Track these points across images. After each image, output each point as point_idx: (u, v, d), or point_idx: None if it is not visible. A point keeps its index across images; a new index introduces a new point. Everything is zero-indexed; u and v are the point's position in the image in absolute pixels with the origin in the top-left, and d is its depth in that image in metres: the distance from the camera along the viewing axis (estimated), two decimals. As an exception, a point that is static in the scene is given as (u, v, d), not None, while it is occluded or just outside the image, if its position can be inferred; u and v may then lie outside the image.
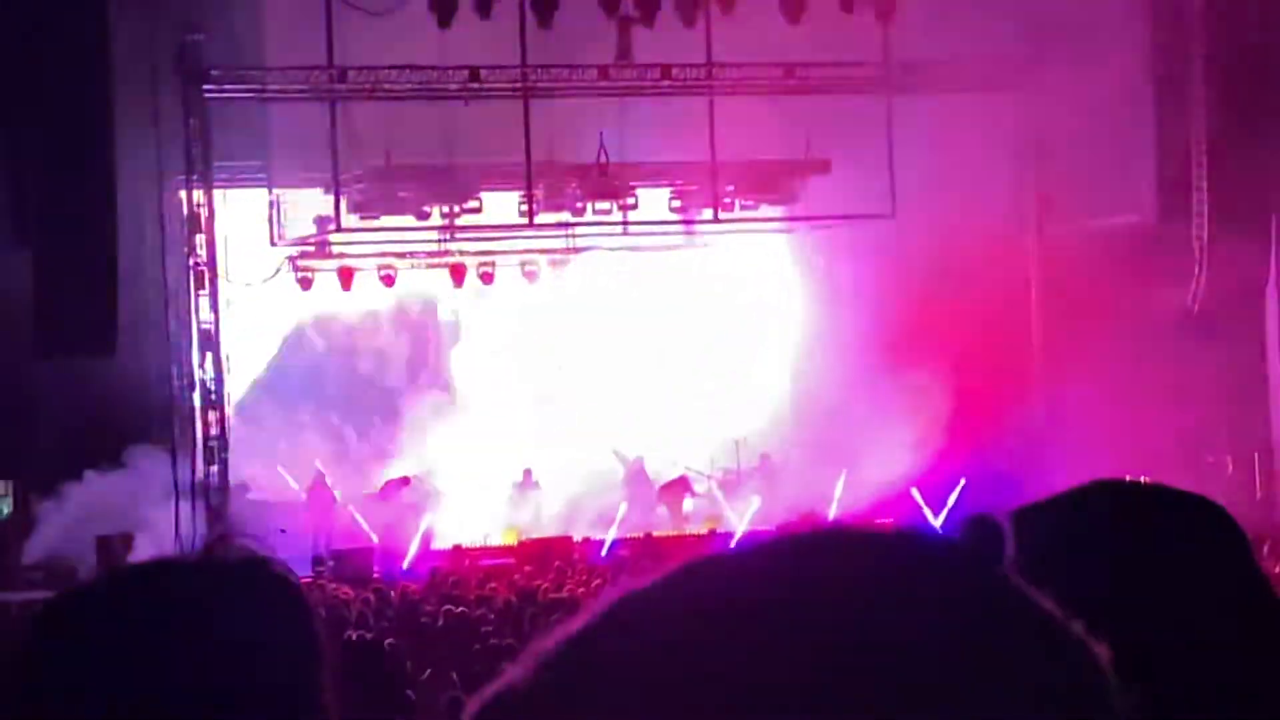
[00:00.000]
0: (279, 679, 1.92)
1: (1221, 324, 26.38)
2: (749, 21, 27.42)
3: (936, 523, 27.37)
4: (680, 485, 30.03)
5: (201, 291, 27.37)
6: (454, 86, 27.90)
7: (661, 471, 30.19)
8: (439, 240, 30.21)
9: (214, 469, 27.15)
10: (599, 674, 1.11)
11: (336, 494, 28.43)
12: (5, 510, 25.29)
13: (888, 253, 28.79)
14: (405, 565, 26.13)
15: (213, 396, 27.39)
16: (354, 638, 16.28)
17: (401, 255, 30.54)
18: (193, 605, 1.94)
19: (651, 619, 1.13)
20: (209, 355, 27.39)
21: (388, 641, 17.11)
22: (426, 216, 29.37)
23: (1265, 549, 19.02)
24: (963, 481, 28.27)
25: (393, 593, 22.04)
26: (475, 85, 27.99)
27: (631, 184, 29.53)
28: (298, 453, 29.74)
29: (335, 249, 30.21)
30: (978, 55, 28.19)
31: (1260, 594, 2.08)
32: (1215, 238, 27.09)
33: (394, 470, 29.79)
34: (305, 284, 30.21)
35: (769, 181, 29.97)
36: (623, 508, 28.49)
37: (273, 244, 29.89)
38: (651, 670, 1.09)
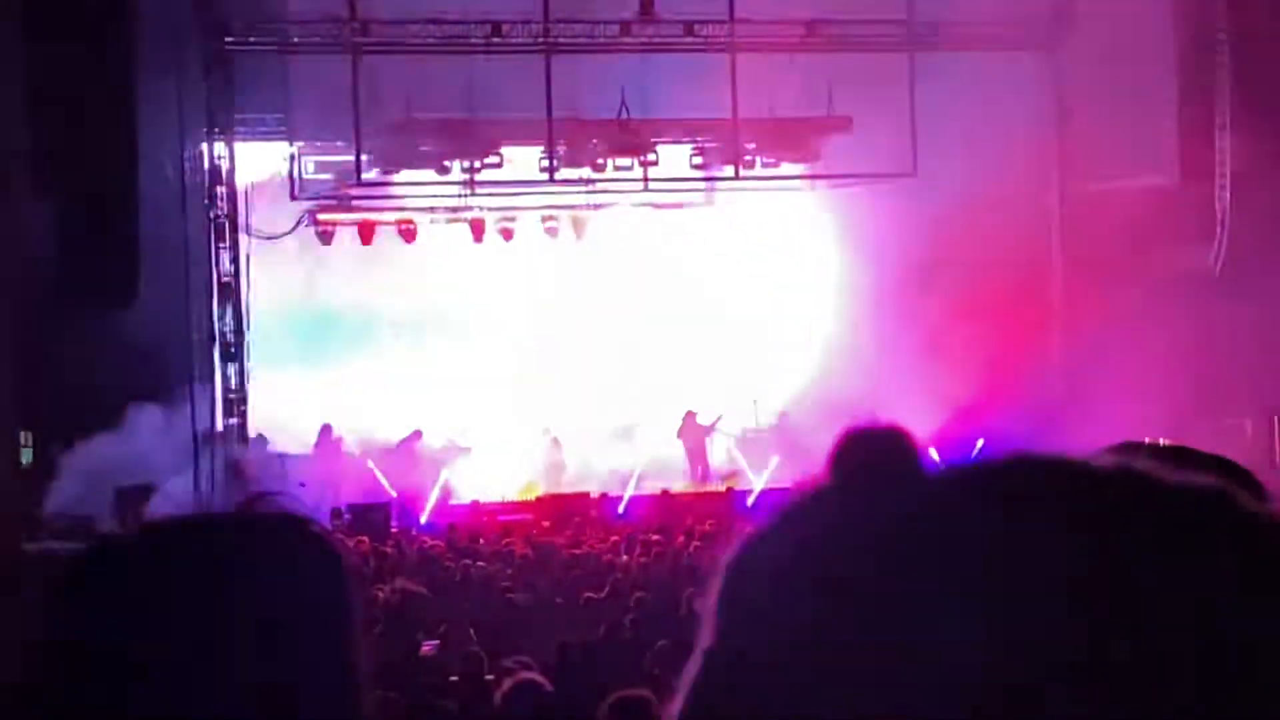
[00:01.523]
0: (315, 637, 1.93)
1: (1242, 286, 26.29)
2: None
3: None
4: (691, 422, 30.01)
5: (222, 244, 27.41)
6: (476, 40, 27.85)
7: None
8: (460, 195, 30.22)
9: (233, 421, 27.22)
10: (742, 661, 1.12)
11: (345, 446, 28.61)
12: (26, 460, 25.37)
13: (909, 212, 28.72)
14: (423, 520, 26.19)
15: (232, 349, 27.44)
16: (372, 591, 16.34)
17: (422, 210, 30.58)
18: (231, 561, 1.93)
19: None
20: (229, 308, 27.44)
21: (411, 589, 17.16)
22: (447, 171, 29.37)
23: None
24: (982, 441, 28.23)
25: (411, 547, 22.11)
26: (497, 39, 27.93)
27: (653, 140, 29.48)
28: (317, 405, 29.81)
29: (355, 203, 30.24)
30: (1001, 14, 28.09)
31: None
32: (1237, 199, 27.00)
33: (413, 424, 29.82)
34: (325, 238, 30.29)
35: (790, 139, 29.90)
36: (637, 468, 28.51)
37: (293, 197, 29.92)
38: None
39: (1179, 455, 2.16)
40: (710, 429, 30.17)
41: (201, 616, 1.88)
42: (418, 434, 29.50)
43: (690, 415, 30.04)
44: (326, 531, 2.03)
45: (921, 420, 29.26)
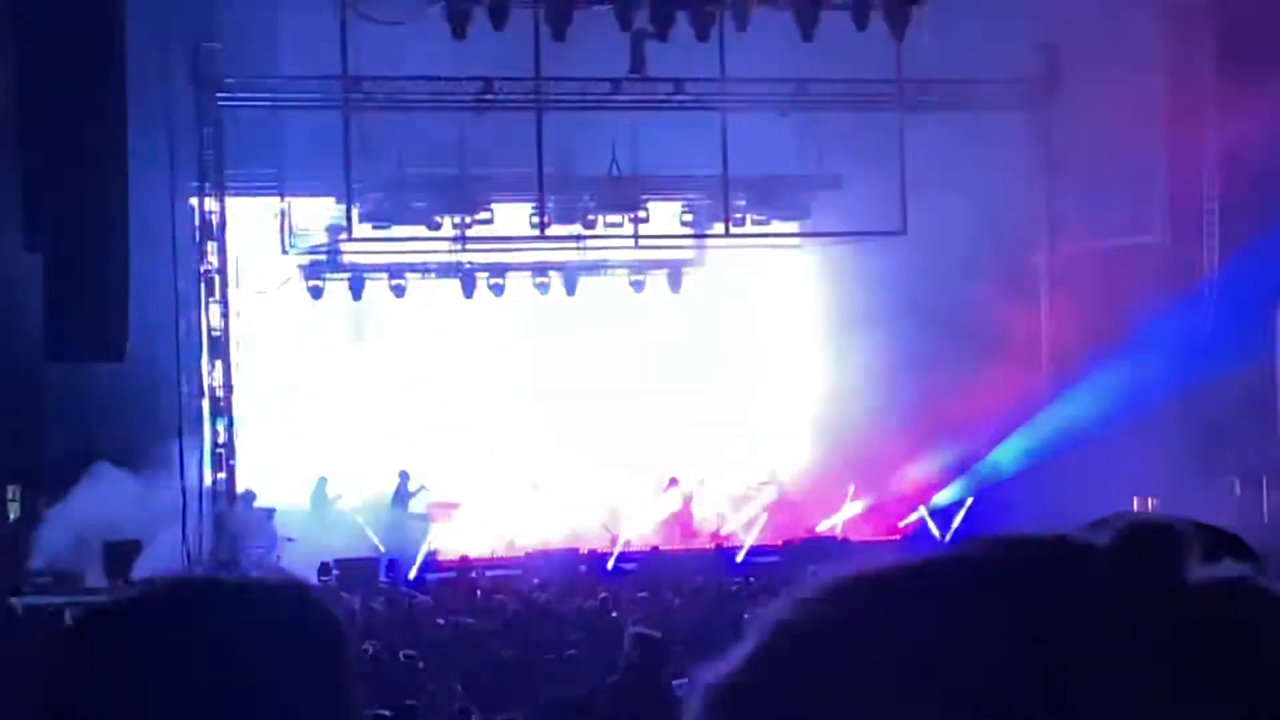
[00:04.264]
0: (316, 702, 1.93)
1: (1231, 345, 26.32)
2: (763, 36, 27.42)
3: (944, 539, 27.35)
4: (674, 487, 29.98)
5: (212, 299, 27.39)
6: (467, 97, 27.91)
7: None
8: (450, 251, 30.25)
9: (221, 476, 27.16)
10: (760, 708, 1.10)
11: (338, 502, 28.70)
12: (14, 514, 25.31)
13: (898, 270, 28.77)
14: (411, 575, 26.12)
15: (221, 404, 27.40)
16: (364, 649, 16.28)
17: (413, 266, 30.60)
18: (234, 626, 1.93)
19: (809, 647, 1.11)
20: (218, 363, 27.40)
21: (404, 653, 17.12)
22: (438, 227, 29.42)
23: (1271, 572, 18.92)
24: (970, 500, 28.25)
25: (400, 603, 22.06)
26: (489, 97, 28.00)
27: (643, 197, 29.56)
28: (305, 459, 29.82)
29: (346, 258, 30.26)
30: (991, 73, 28.19)
31: None
32: (1226, 259, 27.05)
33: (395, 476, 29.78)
34: (316, 293, 30.29)
35: (780, 196, 30.00)
36: (625, 523, 28.44)
37: (284, 252, 29.94)
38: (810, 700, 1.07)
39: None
40: (693, 494, 30.11)
41: (205, 681, 1.87)
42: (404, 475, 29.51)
43: (673, 481, 30.01)
44: (326, 597, 2.04)
45: (912, 478, 29.29)
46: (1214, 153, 26.95)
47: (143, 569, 23.12)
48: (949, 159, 27.27)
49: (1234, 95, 25.87)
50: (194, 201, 27.34)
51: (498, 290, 30.89)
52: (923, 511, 28.40)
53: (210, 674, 1.88)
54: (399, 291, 30.61)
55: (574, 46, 27.25)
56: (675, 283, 31.81)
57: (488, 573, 25.86)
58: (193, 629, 1.92)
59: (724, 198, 29.17)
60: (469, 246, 29.98)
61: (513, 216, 29.46)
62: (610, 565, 26.71)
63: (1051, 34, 28.06)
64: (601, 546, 27.65)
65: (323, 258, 30.17)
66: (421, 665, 16.77)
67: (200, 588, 2.02)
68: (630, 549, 27.52)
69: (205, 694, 1.87)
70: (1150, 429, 25.69)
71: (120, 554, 23.79)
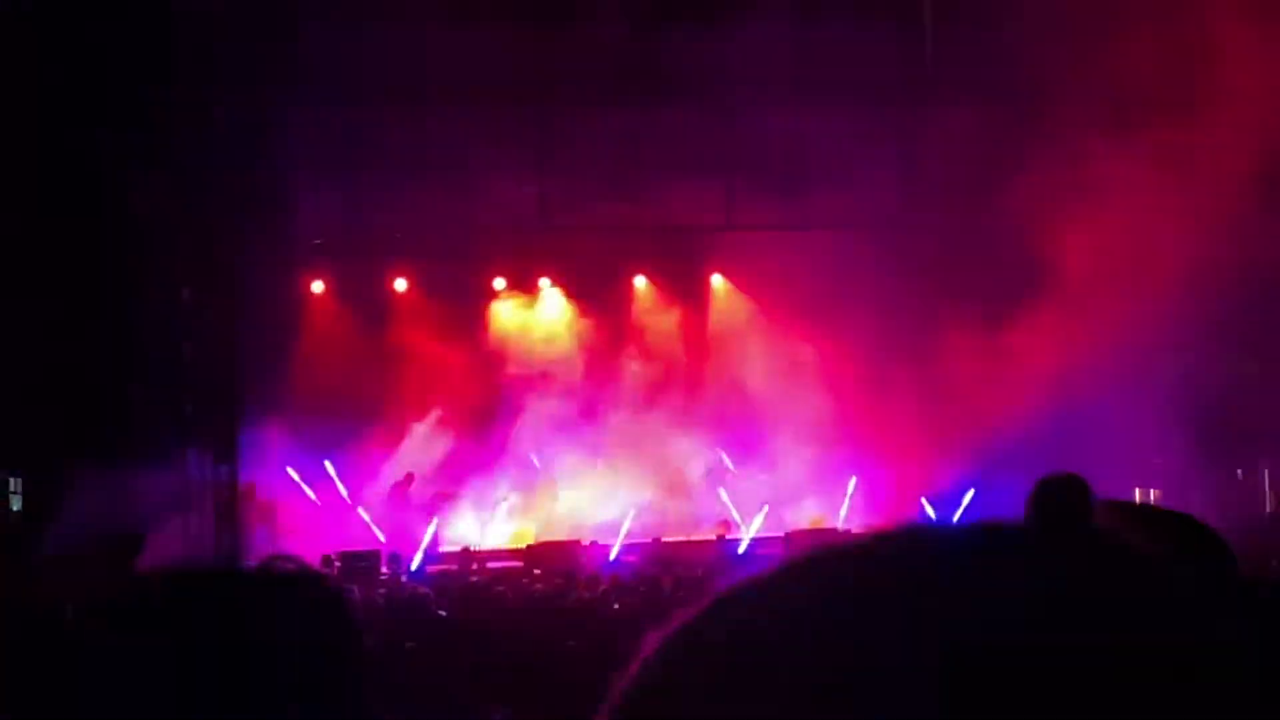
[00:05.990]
0: (334, 686, 1.94)
1: (1236, 335, 26.32)
2: (765, 27, 27.40)
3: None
4: (679, 475, 29.98)
5: (215, 290, 27.35)
6: (468, 88, 27.86)
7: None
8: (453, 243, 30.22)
9: (224, 467, 27.15)
10: (700, 665, 1.09)
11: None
12: (16, 506, 25.30)
13: (898, 260, 28.76)
14: (413, 567, 26.13)
15: (224, 395, 27.37)
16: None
17: (411, 259, 30.60)
18: (252, 616, 1.94)
19: (754, 611, 1.10)
20: (222, 354, 27.37)
21: (408, 644, 17.15)
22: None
23: (1275, 563, 18.94)
24: (972, 490, 28.24)
25: (400, 595, 22.08)
26: (486, 88, 27.97)
27: (645, 189, 29.53)
28: (305, 453, 29.84)
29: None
30: (991, 66, 28.16)
31: (1245, 620, 2.03)
32: (1232, 249, 27.01)
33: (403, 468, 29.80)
34: (318, 283, 30.30)
35: (780, 187, 29.95)
36: (631, 513, 28.42)
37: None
38: (749, 662, 1.06)
39: (1137, 513, 2.15)
40: (699, 479, 30.11)
41: (225, 669, 1.88)
42: (410, 477, 29.46)
43: (678, 470, 29.99)
44: (341, 587, 2.05)
45: (915, 468, 29.30)
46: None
47: (146, 562, 23.14)
48: (949, 150, 27.25)
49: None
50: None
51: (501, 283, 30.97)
52: (925, 503, 28.39)
53: (224, 664, 1.89)
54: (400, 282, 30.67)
55: (575, 39, 27.26)
56: (675, 273, 31.86)
57: (489, 565, 25.87)
58: (207, 620, 1.93)
59: (725, 187, 29.16)
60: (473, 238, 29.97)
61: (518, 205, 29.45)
62: (612, 557, 26.71)
63: (1050, 26, 28.02)
64: (602, 539, 27.66)
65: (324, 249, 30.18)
66: (423, 658, 16.78)
67: (216, 577, 2.03)
68: (631, 541, 27.51)
69: (220, 684, 1.87)
70: (1150, 418, 25.69)
71: (123, 546, 23.78)
